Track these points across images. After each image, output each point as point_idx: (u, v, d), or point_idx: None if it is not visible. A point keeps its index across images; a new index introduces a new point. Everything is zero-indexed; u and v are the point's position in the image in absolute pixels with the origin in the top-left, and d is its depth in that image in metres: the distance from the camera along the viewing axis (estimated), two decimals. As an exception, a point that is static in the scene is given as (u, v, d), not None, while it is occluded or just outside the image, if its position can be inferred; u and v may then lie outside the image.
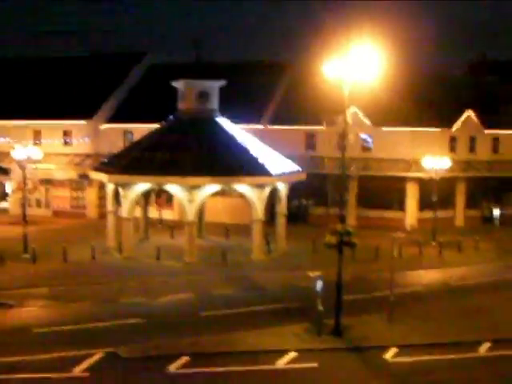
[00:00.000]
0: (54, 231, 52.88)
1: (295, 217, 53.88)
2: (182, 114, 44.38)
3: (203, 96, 43.96)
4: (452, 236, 49.87)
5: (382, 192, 55.72)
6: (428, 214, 53.95)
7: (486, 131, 56.36)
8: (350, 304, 29.80)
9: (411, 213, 55.23)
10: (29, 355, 24.61)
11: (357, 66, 27.00)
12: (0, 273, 38.55)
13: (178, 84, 44.93)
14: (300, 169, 46.50)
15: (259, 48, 74.11)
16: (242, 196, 50.57)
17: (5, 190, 62.53)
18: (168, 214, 57.70)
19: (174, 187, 40.99)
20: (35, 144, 58.33)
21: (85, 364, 24.00)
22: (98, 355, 24.86)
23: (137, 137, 58.88)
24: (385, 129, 54.61)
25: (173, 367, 24.04)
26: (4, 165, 54.27)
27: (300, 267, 40.69)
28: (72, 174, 58.87)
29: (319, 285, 27.56)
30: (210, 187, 40.94)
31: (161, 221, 55.32)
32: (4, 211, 61.47)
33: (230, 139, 43.01)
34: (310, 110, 56.62)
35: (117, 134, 59.70)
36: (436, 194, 48.85)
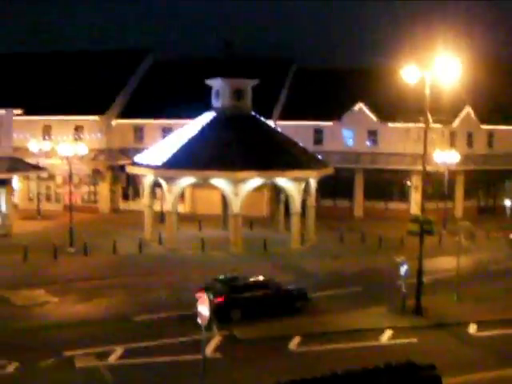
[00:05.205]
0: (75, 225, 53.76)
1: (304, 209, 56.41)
2: (218, 111, 46.20)
3: (239, 94, 45.96)
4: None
5: (387, 185, 58.99)
6: (430, 205, 57.32)
7: (482, 126, 59.98)
8: (411, 287, 31.56)
9: (416, 204, 58.29)
10: (150, 341, 26.43)
11: (437, 69, 29.56)
12: (60, 266, 39.83)
13: (214, 82, 46.73)
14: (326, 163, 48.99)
15: (264, 44, 76.05)
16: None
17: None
18: (180, 208, 59.29)
19: (219, 181, 42.87)
20: (45, 139, 59.40)
21: (211, 346, 25.93)
22: (217, 338, 26.78)
23: (147, 132, 60.66)
24: (391, 124, 57.57)
25: (292, 346, 26.28)
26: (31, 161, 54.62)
27: (337, 256, 43.46)
28: (85, 169, 59.88)
29: (404, 269, 30.13)
30: (254, 181, 43.00)
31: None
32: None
33: (267, 135, 45.25)
34: (318, 105, 59.24)
35: (128, 130, 61.07)
36: (445, 186, 52.16)
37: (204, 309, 18.18)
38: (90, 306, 31.77)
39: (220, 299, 29.22)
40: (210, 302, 28.56)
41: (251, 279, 31.23)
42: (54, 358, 24.17)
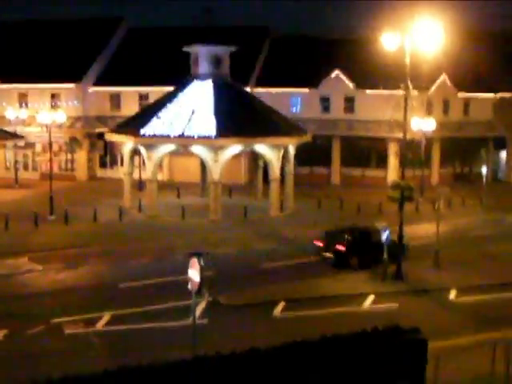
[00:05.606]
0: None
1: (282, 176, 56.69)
2: (197, 77, 46.10)
3: (217, 60, 45.91)
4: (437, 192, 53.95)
5: (364, 152, 59.52)
6: (407, 173, 57.80)
7: (459, 94, 60.50)
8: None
9: (393, 171, 58.82)
10: (137, 307, 26.64)
11: (417, 36, 29.76)
12: (41, 234, 39.81)
13: (192, 49, 46.57)
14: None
15: (241, 12, 75.67)
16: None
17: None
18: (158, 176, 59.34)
19: (199, 148, 42.98)
20: (21, 107, 58.89)
21: (197, 312, 26.17)
22: (202, 304, 27.08)
23: (124, 99, 60.43)
24: (368, 91, 57.86)
25: (276, 312, 26.72)
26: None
27: (316, 223, 43.84)
28: (63, 137, 59.53)
29: (385, 235, 30.55)
30: (233, 148, 43.17)
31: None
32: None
33: (246, 102, 45.35)
34: (294, 73, 59.27)
35: (104, 97, 60.73)
36: (422, 153, 52.79)
37: (195, 274, 18.32)
38: (74, 273, 31.99)
39: (342, 247, 32.29)
40: (332, 249, 31.78)
41: (367, 229, 33.56)
42: (42, 325, 24.38)
